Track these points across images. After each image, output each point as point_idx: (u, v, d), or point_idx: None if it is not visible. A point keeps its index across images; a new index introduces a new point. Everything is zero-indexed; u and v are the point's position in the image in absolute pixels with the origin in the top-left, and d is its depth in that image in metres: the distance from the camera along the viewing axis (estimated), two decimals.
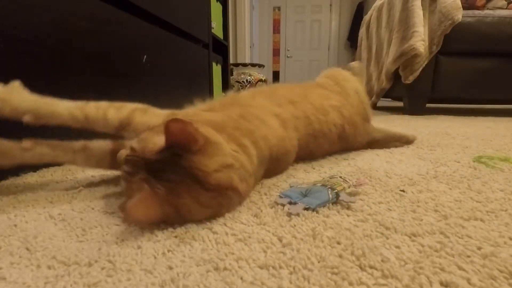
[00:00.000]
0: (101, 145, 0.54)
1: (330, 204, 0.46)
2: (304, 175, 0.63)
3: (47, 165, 0.66)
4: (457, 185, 0.56)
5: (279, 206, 0.45)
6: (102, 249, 0.34)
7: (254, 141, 0.50)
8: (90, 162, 0.53)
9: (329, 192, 0.47)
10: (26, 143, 0.49)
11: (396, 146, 0.91)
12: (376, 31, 2.46)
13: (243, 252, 0.34)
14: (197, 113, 0.59)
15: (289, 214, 0.42)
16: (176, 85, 1.33)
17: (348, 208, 0.45)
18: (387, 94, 2.40)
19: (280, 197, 0.47)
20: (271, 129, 0.57)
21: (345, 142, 0.77)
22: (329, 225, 0.40)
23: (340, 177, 0.53)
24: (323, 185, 0.49)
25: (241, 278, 0.29)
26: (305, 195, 0.47)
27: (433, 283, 0.28)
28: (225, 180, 0.40)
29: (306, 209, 0.44)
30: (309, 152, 0.70)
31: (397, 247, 0.34)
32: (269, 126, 0.57)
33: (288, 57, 6.13)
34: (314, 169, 0.68)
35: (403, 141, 0.93)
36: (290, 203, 0.45)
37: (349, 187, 0.50)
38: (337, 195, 0.46)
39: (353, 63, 0.99)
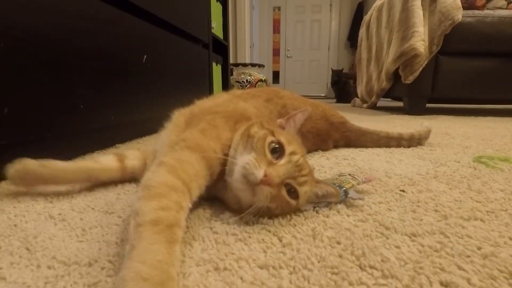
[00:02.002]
0: (108, 166, 0.56)
1: (338, 202, 0.46)
2: None
3: None
4: (457, 185, 0.56)
5: None
6: (102, 249, 0.34)
7: None
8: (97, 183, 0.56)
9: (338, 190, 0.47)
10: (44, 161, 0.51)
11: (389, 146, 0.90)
12: (376, 31, 2.46)
13: (243, 252, 0.34)
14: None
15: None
16: (176, 85, 1.33)
17: (348, 207, 0.45)
18: (387, 94, 2.40)
19: None
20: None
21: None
22: (329, 225, 0.40)
23: (349, 174, 0.53)
24: (332, 183, 0.49)
25: (241, 278, 0.29)
26: None
27: (433, 283, 0.28)
28: None
29: (315, 208, 0.44)
30: None
31: (397, 247, 0.34)
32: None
33: (288, 57, 6.13)
34: (314, 169, 0.68)
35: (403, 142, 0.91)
36: None
37: (358, 184, 0.50)
38: (346, 192, 0.47)
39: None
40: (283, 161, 0.40)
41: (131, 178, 0.57)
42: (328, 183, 0.45)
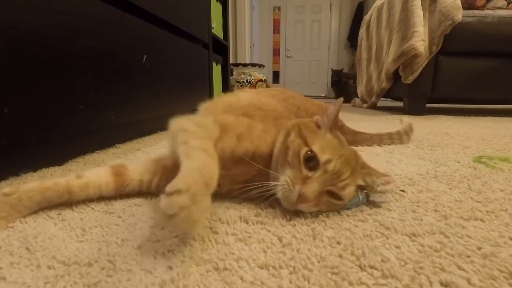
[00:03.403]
0: (100, 178, 0.48)
1: (360, 205, 0.46)
2: None
3: (47, 165, 0.66)
4: (457, 185, 0.56)
5: None
6: (102, 249, 0.34)
7: None
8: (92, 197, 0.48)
9: (359, 193, 0.46)
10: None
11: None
12: (376, 31, 2.46)
13: (243, 252, 0.34)
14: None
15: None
16: (176, 85, 1.33)
17: (372, 209, 0.45)
18: (387, 94, 2.40)
19: None
20: None
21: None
22: (329, 225, 0.40)
23: None
24: None
25: (241, 278, 0.29)
26: None
27: (433, 283, 0.28)
28: None
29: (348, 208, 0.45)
30: None
31: (397, 247, 0.34)
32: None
33: (288, 57, 6.13)
34: None
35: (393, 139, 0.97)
36: None
37: (378, 186, 0.50)
38: (367, 195, 0.46)
39: None
40: (318, 173, 0.41)
41: (133, 193, 0.50)
42: (376, 171, 0.48)
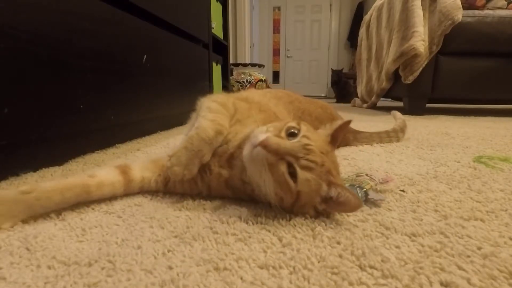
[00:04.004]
0: (111, 177, 0.49)
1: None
2: None
3: (47, 165, 0.66)
4: (457, 185, 0.56)
5: None
6: (102, 249, 0.34)
7: None
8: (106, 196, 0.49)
9: (358, 191, 0.46)
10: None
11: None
12: (376, 31, 2.46)
13: (243, 252, 0.34)
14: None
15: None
16: (176, 85, 1.33)
17: (371, 208, 0.45)
18: (387, 94, 2.40)
19: None
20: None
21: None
22: (329, 225, 0.40)
23: (366, 174, 0.53)
24: (351, 185, 0.49)
25: (241, 278, 0.29)
26: None
27: (433, 283, 0.28)
28: None
29: None
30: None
31: (397, 247, 0.34)
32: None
33: (288, 57, 6.13)
34: None
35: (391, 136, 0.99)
36: None
37: (375, 185, 0.49)
38: (366, 194, 0.46)
39: None
40: (293, 139, 0.41)
41: (140, 192, 0.52)
42: (350, 191, 0.40)
